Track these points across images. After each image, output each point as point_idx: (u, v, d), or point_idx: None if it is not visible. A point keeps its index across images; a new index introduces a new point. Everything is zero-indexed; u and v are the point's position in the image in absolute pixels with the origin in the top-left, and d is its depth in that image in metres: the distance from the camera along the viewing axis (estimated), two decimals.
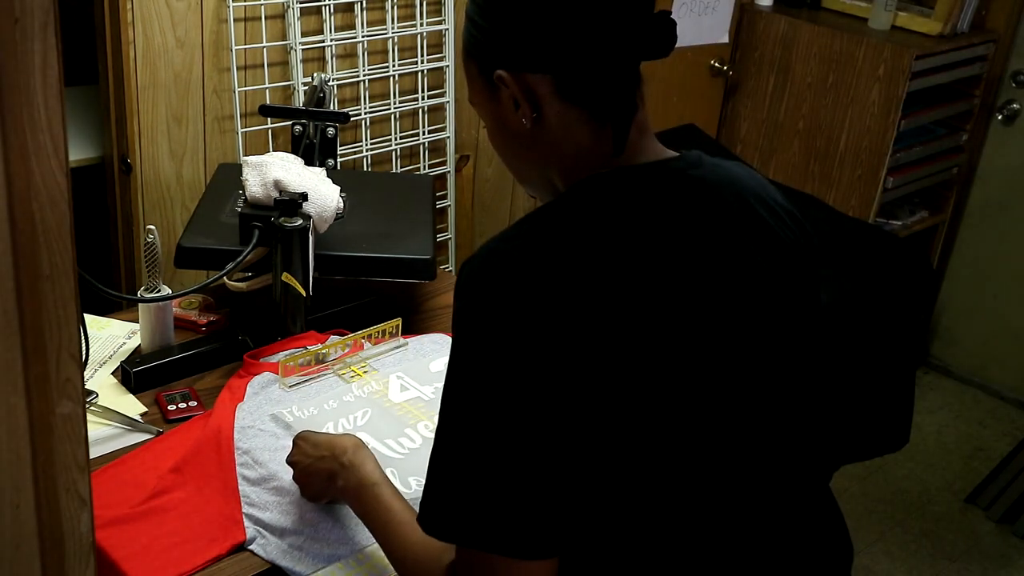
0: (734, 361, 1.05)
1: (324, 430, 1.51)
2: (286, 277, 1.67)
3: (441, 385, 1.62)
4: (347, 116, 1.85)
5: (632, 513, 1.03)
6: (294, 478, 1.39)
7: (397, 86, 2.53)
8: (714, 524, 1.06)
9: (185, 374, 1.68)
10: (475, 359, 0.99)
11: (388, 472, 1.43)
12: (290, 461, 1.39)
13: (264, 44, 2.26)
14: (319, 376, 1.66)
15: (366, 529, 1.35)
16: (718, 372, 1.03)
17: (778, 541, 1.11)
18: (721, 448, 1.05)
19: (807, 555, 1.15)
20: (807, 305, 1.13)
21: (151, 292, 1.70)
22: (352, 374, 1.68)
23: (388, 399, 1.61)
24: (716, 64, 3.23)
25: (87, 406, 1.42)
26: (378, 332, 1.74)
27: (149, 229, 1.67)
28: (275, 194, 1.64)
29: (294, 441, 1.40)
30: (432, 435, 1.50)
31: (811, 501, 1.17)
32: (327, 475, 1.33)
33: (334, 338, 1.73)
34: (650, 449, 1.01)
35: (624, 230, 1.02)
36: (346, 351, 1.72)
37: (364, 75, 2.45)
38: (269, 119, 2.29)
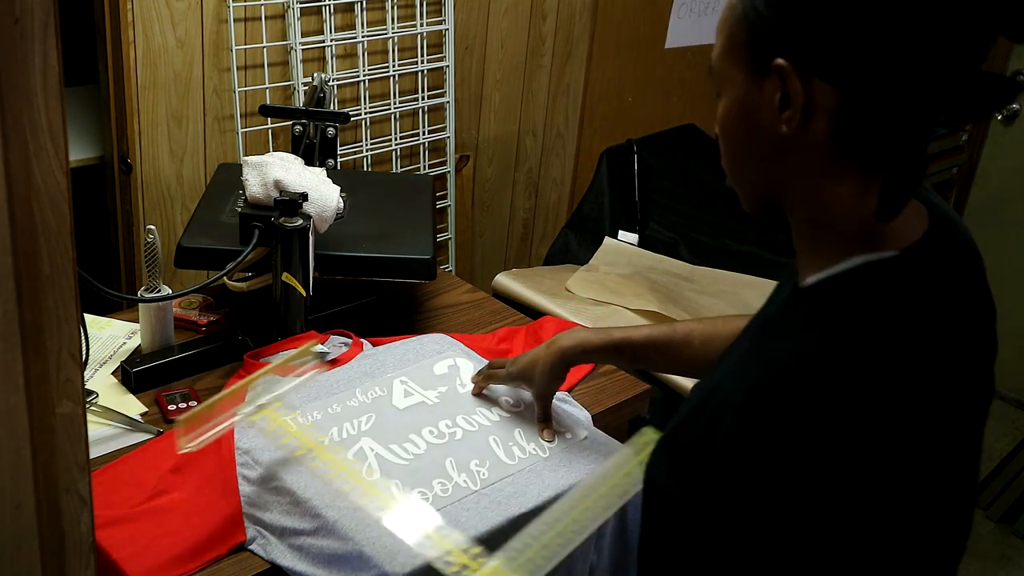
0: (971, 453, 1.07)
1: (328, 435, 1.51)
2: (286, 277, 1.67)
3: (445, 389, 1.63)
4: (347, 116, 1.85)
5: None
6: None
7: (397, 86, 2.53)
8: None
9: (185, 374, 1.68)
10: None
11: (392, 482, 1.42)
12: None
13: (264, 44, 2.26)
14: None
15: (366, 530, 1.35)
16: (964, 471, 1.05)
17: None
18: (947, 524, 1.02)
19: None
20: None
21: (151, 292, 1.70)
22: None
23: (392, 404, 1.60)
24: None
25: (87, 406, 1.42)
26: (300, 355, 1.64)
27: (149, 229, 1.67)
28: (275, 194, 1.64)
29: None
30: (436, 440, 1.51)
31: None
32: None
33: (333, 339, 1.72)
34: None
35: (917, 349, 0.97)
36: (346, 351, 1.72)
37: (364, 75, 2.45)
38: (269, 119, 2.29)
